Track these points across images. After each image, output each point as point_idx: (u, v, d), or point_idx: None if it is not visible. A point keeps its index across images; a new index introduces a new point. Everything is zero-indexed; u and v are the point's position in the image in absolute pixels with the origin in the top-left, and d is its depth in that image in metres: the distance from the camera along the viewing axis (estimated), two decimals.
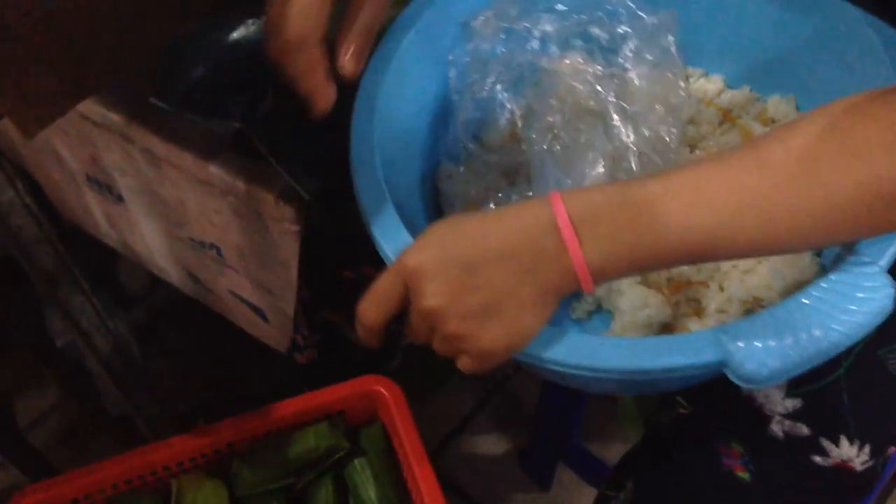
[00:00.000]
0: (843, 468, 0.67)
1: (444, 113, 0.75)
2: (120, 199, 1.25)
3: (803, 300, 0.53)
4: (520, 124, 0.73)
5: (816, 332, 0.52)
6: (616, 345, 0.55)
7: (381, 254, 0.63)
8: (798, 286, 0.66)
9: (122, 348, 0.94)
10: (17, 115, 0.56)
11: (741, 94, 0.80)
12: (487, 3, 0.75)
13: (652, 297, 0.68)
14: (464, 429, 1.36)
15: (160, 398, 0.91)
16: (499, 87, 0.72)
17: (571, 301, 0.73)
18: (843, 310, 0.52)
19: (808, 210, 0.50)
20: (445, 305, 0.55)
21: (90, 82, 0.57)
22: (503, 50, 0.73)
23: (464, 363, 0.58)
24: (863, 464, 0.67)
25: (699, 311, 0.69)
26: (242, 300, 1.25)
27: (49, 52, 0.55)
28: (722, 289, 0.68)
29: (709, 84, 0.76)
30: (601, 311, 0.73)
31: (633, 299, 0.68)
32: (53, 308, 1.15)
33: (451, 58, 0.74)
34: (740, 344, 0.52)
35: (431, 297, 0.55)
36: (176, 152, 1.04)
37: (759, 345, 0.52)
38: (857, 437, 0.66)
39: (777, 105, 0.78)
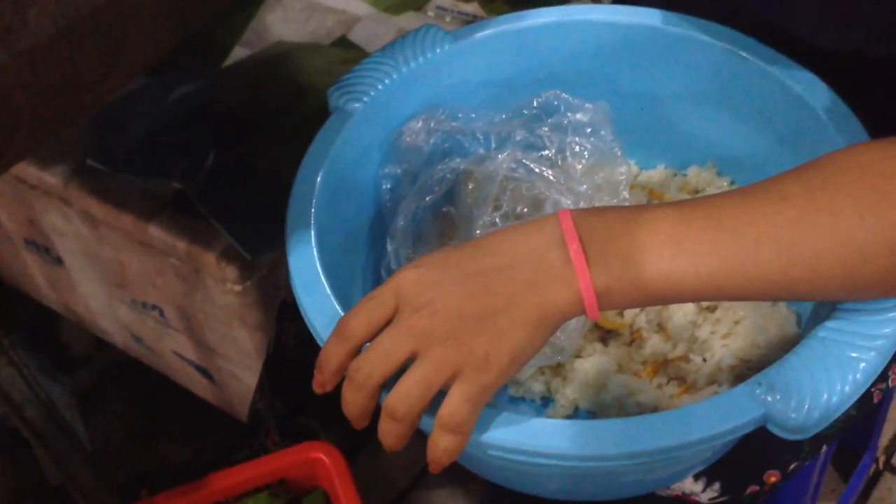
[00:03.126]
0: (685, 501, 0.67)
1: (381, 226, 0.73)
2: (59, 261, 1.23)
3: (821, 335, 0.51)
4: (460, 227, 0.71)
5: (853, 354, 0.50)
6: (639, 423, 0.50)
7: (309, 326, 0.59)
8: (783, 339, 0.65)
9: (56, 417, 0.90)
10: None
11: (657, 172, 0.80)
12: (415, 112, 0.74)
13: (634, 382, 0.66)
14: (419, 484, 1.34)
15: (99, 468, 0.88)
16: (429, 197, 0.70)
17: (549, 406, 0.69)
18: (866, 333, 0.50)
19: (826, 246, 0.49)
20: (440, 317, 0.50)
21: (13, 153, 0.56)
22: (436, 156, 0.73)
23: (455, 391, 0.51)
24: (711, 499, 0.67)
25: (687, 388, 0.67)
26: (187, 360, 1.22)
27: None
28: (705, 360, 0.67)
29: (620, 168, 0.75)
30: (578, 413, 0.69)
31: (616, 389, 0.66)
32: None
33: (382, 172, 0.73)
34: (779, 395, 0.50)
35: (425, 307, 0.51)
36: (115, 214, 1.02)
37: (800, 389, 0.50)
38: (703, 474, 0.67)
39: (698, 175, 0.78)
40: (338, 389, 0.83)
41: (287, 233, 0.63)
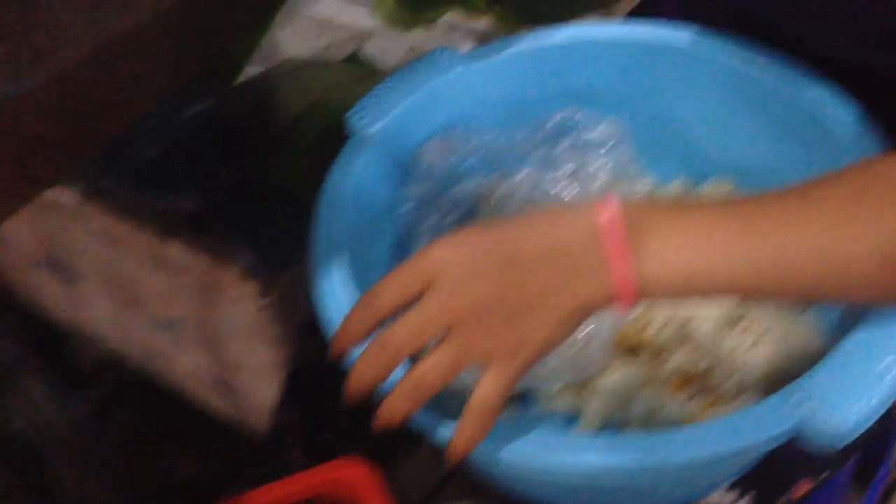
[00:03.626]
0: None
1: (401, 247, 0.73)
2: (73, 280, 1.23)
3: (851, 345, 0.52)
4: None
5: (884, 363, 0.50)
6: (674, 436, 0.51)
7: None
8: (809, 350, 0.66)
9: (81, 434, 0.91)
10: None
11: (674, 187, 0.80)
12: (433, 133, 0.74)
13: (660, 396, 0.66)
14: (432, 499, 1.34)
15: (115, 486, 0.89)
16: (450, 218, 0.71)
17: (575, 422, 0.69)
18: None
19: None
20: (473, 305, 0.50)
21: (48, 175, 0.56)
22: (454, 176, 0.73)
23: (488, 379, 0.51)
24: None
25: (714, 401, 0.67)
26: (202, 377, 1.22)
27: (2, 147, 0.54)
28: (731, 372, 0.67)
29: (637, 185, 0.75)
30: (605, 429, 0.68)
31: (643, 404, 0.66)
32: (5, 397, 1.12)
33: (401, 194, 0.73)
34: (811, 405, 0.50)
35: (458, 293, 0.50)
36: (131, 233, 1.02)
37: (832, 399, 0.50)
38: (735, 484, 0.67)
39: (715, 189, 0.79)
40: (351, 416, 0.84)
41: (313, 257, 0.64)
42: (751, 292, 0.51)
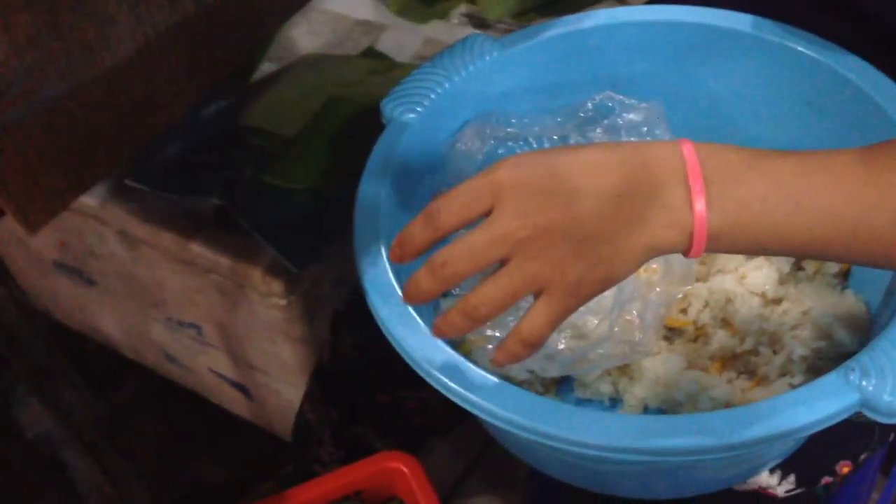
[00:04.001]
0: (761, 494, 0.68)
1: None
2: (91, 282, 1.22)
3: None
4: None
5: None
6: (737, 415, 0.50)
7: (390, 338, 0.58)
8: (854, 327, 0.65)
9: (108, 436, 0.91)
10: (20, 212, 0.54)
11: None
12: (468, 120, 0.74)
13: (704, 378, 0.66)
14: (455, 494, 1.34)
15: (148, 489, 0.88)
16: None
17: (617, 406, 0.69)
18: None
19: None
20: (540, 231, 0.48)
21: (94, 173, 0.56)
22: (490, 163, 0.73)
23: (543, 306, 0.49)
24: (787, 492, 0.68)
25: (758, 381, 0.67)
26: (224, 378, 1.22)
27: (50, 147, 0.54)
28: (775, 352, 0.67)
29: None
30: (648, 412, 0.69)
31: (688, 386, 0.66)
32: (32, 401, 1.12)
33: (438, 180, 0.73)
34: (874, 379, 0.50)
35: (526, 217, 0.48)
36: (154, 232, 1.02)
37: (894, 371, 0.50)
38: (778, 467, 0.67)
39: None
40: (384, 410, 0.83)
41: (357, 245, 0.63)
42: (821, 252, 0.50)
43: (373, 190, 0.67)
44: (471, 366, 0.55)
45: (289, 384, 1.13)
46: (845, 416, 0.51)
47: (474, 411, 0.54)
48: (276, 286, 0.96)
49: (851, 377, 0.51)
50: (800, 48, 0.70)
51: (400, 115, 0.71)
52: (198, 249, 1.00)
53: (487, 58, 0.74)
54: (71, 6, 0.50)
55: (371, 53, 1.13)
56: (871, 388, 0.50)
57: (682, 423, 0.51)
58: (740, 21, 0.73)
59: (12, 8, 0.47)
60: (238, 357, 1.15)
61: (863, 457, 0.70)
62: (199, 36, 0.58)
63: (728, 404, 0.66)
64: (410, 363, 0.56)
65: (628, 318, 0.63)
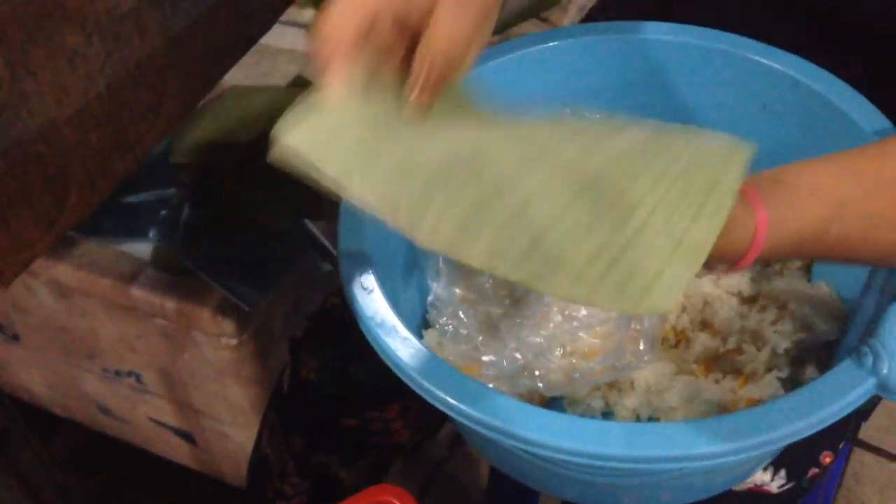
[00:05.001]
0: (757, 492, 0.69)
1: (415, 259, 0.72)
2: (15, 338, 1.16)
3: None
4: None
5: None
6: (762, 413, 0.51)
7: (393, 366, 0.56)
8: (830, 315, 0.67)
9: (61, 498, 0.86)
10: None
11: None
12: None
13: (695, 381, 0.66)
14: None
15: None
16: None
17: (609, 419, 0.68)
18: None
19: None
20: None
21: (66, 220, 0.53)
22: None
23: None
24: (780, 487, 0.70)
25: (746, 379, 0.68)
26: (165, 426, 1.17)
27: (22, 196, 0.50)
28: (759, 348, 0.68)
29: None
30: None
31: (682, 391, 0.66)
32: None
33: None
34: (887, 361, 0.51)
35: None
36: (90, 280, 0.97)
37: None
38: (771, 463, 0.69)
39: None
40: (349, 434, 0.81)
41: (344, 277, 0.61)
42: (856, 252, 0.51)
43: (353, 216, 0.65)
44: (451, 368, 0.54)
45: (238, 426, 1.09)
46: (864, 399, 0.52)
47: (457, 417, 0.52)
48: (227, 325, 0.93)
49: (865, 362, 0.52)
50: (753, 55, 0.72)
51: None
52: (139, 294, 0.95)
53: None
54: (43, 41, 0.47)
55: (300, 82, 1.11)
56: (885, 370, 0.51)
57: (714, 426, 0.51)
58: (694, 34, 0.74)
59: None
60: (182, 403, 1.11)
61: (841, 445, 0.72)
62: (167, 69, 0.56)
63: (721, 405, 0.66)
64: (394, 368, 0.55)
65: (628, 333, 0.63)
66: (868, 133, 0.65)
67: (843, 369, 0.52)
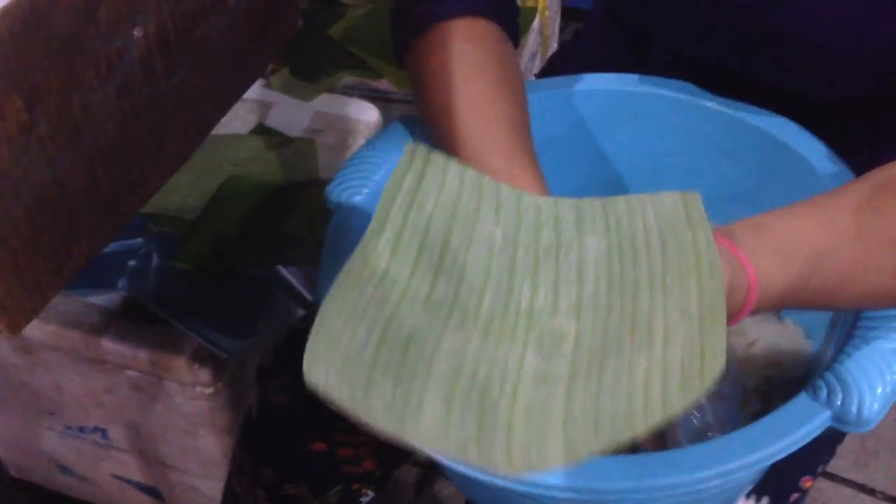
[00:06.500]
0: None
1: None
2: None
3: (861, 335, 0.55)
4: None
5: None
6: (720, 444, 0.53)
7: None
8: (797, 353, 0.69)
9: None
10: (3, 312, 0.50)
11: None
12: None
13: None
14: None
15: None
16: None
17: None
18: None
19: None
20: None
21: (75, 265, 0.52)
22: None
23: None
24: None
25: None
26: (130, 482, 1.14)
27: (35, 242, 0.50)
28: (733, 382, 0.70)
29: None
30: None
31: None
32: None
33: None
34: (841, 395, 0.53)
35: None
36: (58, 334, 0.95)
37: (858, 385, 0.53)
38: (753, 492, 0.71)
39: None
40: (320, 460, 0.81)
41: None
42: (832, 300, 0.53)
43: (333, 270, 0.66)
44: None
45: (209, 479, 1.07)
46: (818, 432, 0.54)
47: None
48: (203, 374, 0.92)
49: (820, 396, 0.54)
50: (709, 104, 0.75)
51: (347, 199, 0.72)
52: (110, 346, 0.94)
53: (421, 136, 0.75)
54: (59, 85, 0.48)
55: (262, 130, 1.12)
56: (839, 403, 0.54)
57: (666, 460, 0.52)
58: (650, 83, 0.77)
59: (3, 95, 0.44)
60: (150, 457, 1.08)
61: (819, 469, 0.74)
62: (171, 109, 0.56)
63: (692, 441, 0.68)
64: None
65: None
66: (824, 176, 0.68)
67: (799, 402, 0.55)
